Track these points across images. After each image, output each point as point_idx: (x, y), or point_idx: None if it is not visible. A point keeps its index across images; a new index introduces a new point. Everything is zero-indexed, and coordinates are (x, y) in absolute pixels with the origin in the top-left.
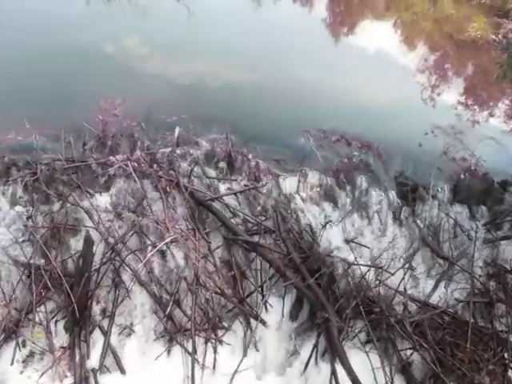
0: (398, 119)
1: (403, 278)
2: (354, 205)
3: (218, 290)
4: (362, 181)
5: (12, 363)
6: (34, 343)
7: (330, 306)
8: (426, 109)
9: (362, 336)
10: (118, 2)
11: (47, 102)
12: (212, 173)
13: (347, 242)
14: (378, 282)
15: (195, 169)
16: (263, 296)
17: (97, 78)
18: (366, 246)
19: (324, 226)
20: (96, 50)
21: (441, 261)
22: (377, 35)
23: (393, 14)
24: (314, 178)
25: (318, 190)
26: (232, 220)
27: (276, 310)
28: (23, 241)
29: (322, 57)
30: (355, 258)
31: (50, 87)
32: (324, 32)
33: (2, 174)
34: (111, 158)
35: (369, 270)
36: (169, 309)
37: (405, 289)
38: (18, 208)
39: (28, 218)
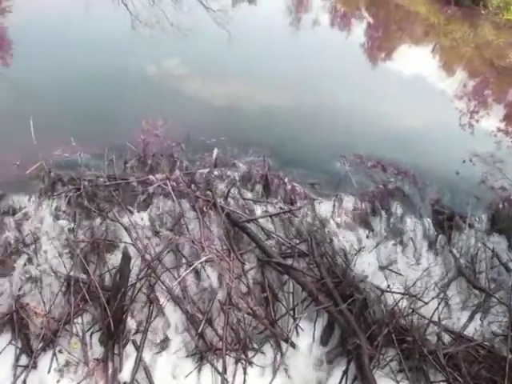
0: (435, 145)
1: (437, 308)
2: (388, 231)
3: (250, 311)
4: (397, 207)
5: (49, 371)
6: (70, 353)
7: (362, 332)
8: (464, 135)
9: (394, 365)
10: (161, 27)
11: (93, 120)
12: (248, 194)
13: (381, 268)
14: (411, 310)
15: (232, 190)
16: (294, 319)
17: (140, 99)
18: (399, 274)
19: (358, 252)
20: (139, 71)
21: (477, 292)
22: (415, 60)
23: (432, 39)
24: (349, 203)
25: (353, 215)
26: (266, 242)
27: (307, 334)
28: (64, 253)
29: (360, 81)
30: (388, 285)
31: (96, 107)
32: (361, 57)
33: (48, 189)
34: (151, 176)
35: (402, 298)
36: (201, 327)
37: (439, 319)
38: (61, 222)
39: (70, 232)
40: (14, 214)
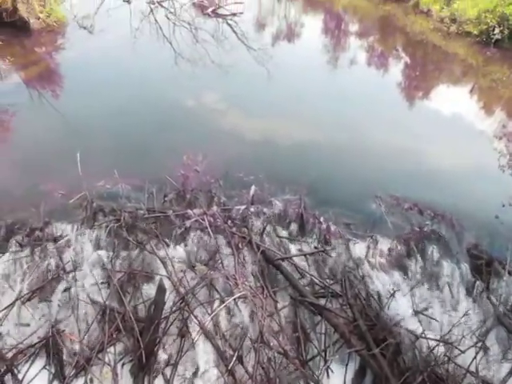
0: (473, 188)
1: (475, 358)
2: (424, 275)
3: (281, 350)
4: (433, 251)
5: None
6: (101, 383)
7: (395, 378)
8: (503, 178)
9: None
10: (203, 64)
11: (135, 154)
12: (283, 232)
13: (416, 313)
14: (447, 358)
15: (267, 227)
16: (326, 361)
17: (181, 134)
18: (435, 319)
19: (392, 295)
20: (181, 107)
21: None
22: (453, 100)
23: (470, 79)
24: (384, 244)
25: (388, 257)
26: (300, 281)
27: (338, 376)
28: (102, 282)
29: (397, 121)
30: (423, 330)
31: (139, 141)
32: (398, 96)
33: (90, 218)
34: (189, 211)
35: (438, 345)
36: (231, 364)
37: (477, 369)
38: (101, 251)
39: (108, 262)
40: (56, 241)
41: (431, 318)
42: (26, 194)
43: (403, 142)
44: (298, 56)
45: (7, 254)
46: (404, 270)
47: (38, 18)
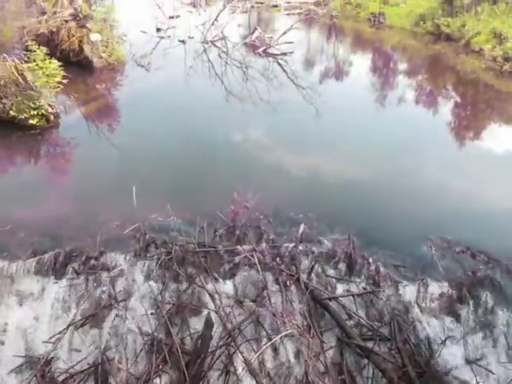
0: None
1: None
2: (477, 322)
3: None
4: (487, 297)
5: None
6: None
7: None
8: None
9: None
10: (252, 101)
11: (187, 188)
12: (331, 272)
13: (468, 362)
14: None
15: (316, 266)
16: None
17: (232, 169)
18: (490, 371)
19: (443, 342)
20: (232, 143)
21: None
22: (506, 140)
23: None
24: (434, 288)
25: (439, 301)
26: (347, 322)
27: None
28: (151, 313)
29: (447, 160)
30: (477, 382)
31: (191, 175)
32: (448, 135)
33: (142, 250)
34: (238, 247)
35: None
36: None
37: None
38: (151, 283)
39: (158, 293)
40: (110, 270)
41: (486, 369)
42: (84, 223)
43: (454, 181)
44: (347, 94)
45: (63, 280)
46: (456, 316)
47: (101, 58)
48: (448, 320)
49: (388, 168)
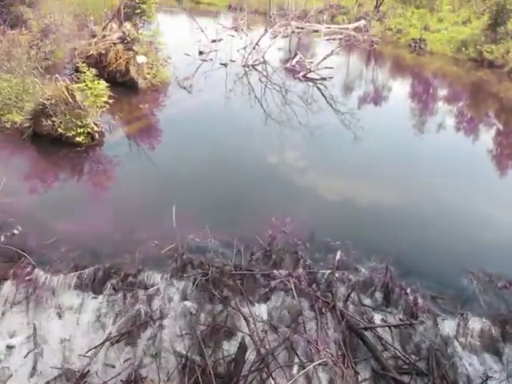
0: None
1: None
2: None
3: None
4: None
5: None
6: None
7: None
8: None
9: None
10: (290, 124)
11: (226, 211)
12: (368, 301)
13: None
14: None
15: (352, 294)
16: None
17: (270, 191)
18: None
19: (484, 381)
20: (271, 166)
21: None
22: None
23: None
24: (475, 324)
25: (480, 338)
26: (383, 353)
27: None
28: (185, 334)
29: (490, 190)
30: None
31: (230, 198)
32: (490, 163)
33: (179, 270)
34: (275, 271)
35: None
36: None
37: None
38: (187, 303)
39: (193, 314)
40: (147, 288)
41: None
42: (123, 240)
43: (496, 212)
44: (386, 120)
45: (102, 296)
46: (498, 354)
47: (145, 79)
48: (489, 358)
49: (427, 196)
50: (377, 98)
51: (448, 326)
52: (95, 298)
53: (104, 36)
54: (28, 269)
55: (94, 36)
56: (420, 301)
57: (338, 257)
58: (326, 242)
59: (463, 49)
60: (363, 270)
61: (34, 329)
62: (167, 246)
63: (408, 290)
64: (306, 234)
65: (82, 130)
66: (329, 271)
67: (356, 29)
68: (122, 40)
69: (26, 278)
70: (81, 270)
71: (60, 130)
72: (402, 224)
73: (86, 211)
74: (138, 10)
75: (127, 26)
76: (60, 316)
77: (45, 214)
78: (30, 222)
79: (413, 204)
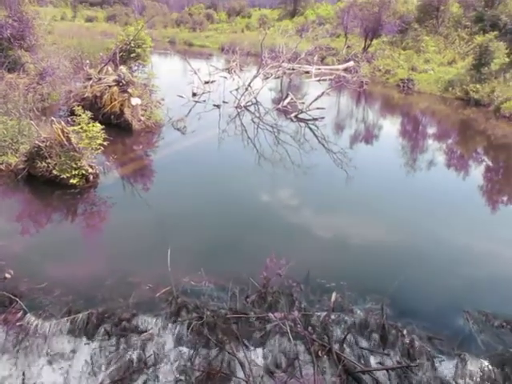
0: None
1: None
2: None
3: None
4: None
5: None
6: None
7: None
8: None
9: None
10: (283, 164)
11: (221, 253)
12: (364, 343)
13: None
14: None
15: (348, 337)
16: None
17: (264, 233)
18: None
19: None
20: (264, 207)
21: None
22: None
23: None
24: (474, 365)
25: (480, 379)
26: None
27: None
28: (180, 380)
29: (483, 226)
30: None
31: (224, 240)
32: (481, 199)
33: (174, 314)
34: (270, 314)
35: None
36: None
37: None
38: (182, 348)
39: (188, 359)
40: (140, 333)
41: None
42: (117, 283)
43: (490, 249)
44: (377, 158)
45: (95, 342)
46: None
47: (140, 120)
48: None
49: (421, 234)
50: (368, 136)
51: (446, 368)
52: (88, 343)
53: (99, 79)
54: (19, 314)
55: (89, 79)
56: (417, 342)
57: (333, 298)
58: (320, 284)
59: (450, 88)
60: (359, 311)
61: (24, 377)
62: (162, 289)
63: (404, 332)
64: (301, 275)
65: (76, 172)
66: (324, 313)
67: (346, 70)
68: (117, 83)
69: (17, 323)
70: (74, 315)
71: (55, 172)
72: (396, 262)
73: (79, 254)
74: (133, 54)
75: (122, 69)
76: (51, 363)
77: (38, 257)
78: (23, 265)
79: (406, 242)
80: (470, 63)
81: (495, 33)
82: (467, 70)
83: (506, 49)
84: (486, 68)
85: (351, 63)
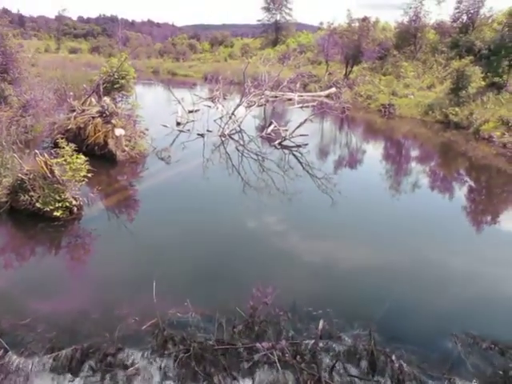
0: None
1: None
2: None
3: None
4: None
5: None
6: None
7: None
8: None
9: None
10: (268, 191)
11: (206, 283)
12: (353, 370)
13: None
14: None
15: (337, 364)
16: None
17: (250, 261)
18: None
19: None
20: (248, 233)
21: None
22: None
23: None
24: None
25: None
26: None
27: None
28: None
29: (468, 247)
30: None
31: (210, 270)
32: (465, 220)
33: (160, 346)
34: (257, 344)
35: None
36: None
37: None
38: (168, 382)
39: None
40: (126, 368)
41: None
42: (102, 317)
43: (477, 269)
44: (361, 182)
45: (79, 379)
46: None
47: (124, 151)
48: None
49: (407, 256)
50: (352, 161)
51: None
52: (72, 381)
53: (83, 110)
54: (0, 352)
55: (73, 110)
56: (406, 367)
57: (320, 326)
58: (307, 311)
59: (430, 112)
60: (347, 338)
61: None
62: (147, 321)
63: (393, 357)
64: (288, 303)
65: (60, 205)
66: (312, 341)
67: (328, 96)
68: (101, 114)
69: None
70: (57, 352)
71: (38, 205)
72: (383, 287)
73: (64, 288)
74: (117, 85)
75: (106, 100)
76: None
77: (21, 292)
78: (5, 300)
79: (392, 264)
80: (448, 87)
81: (470, 57)
82: (446, 94)
83: (482, 73)
84: (464, 91)
85: (333, 89)
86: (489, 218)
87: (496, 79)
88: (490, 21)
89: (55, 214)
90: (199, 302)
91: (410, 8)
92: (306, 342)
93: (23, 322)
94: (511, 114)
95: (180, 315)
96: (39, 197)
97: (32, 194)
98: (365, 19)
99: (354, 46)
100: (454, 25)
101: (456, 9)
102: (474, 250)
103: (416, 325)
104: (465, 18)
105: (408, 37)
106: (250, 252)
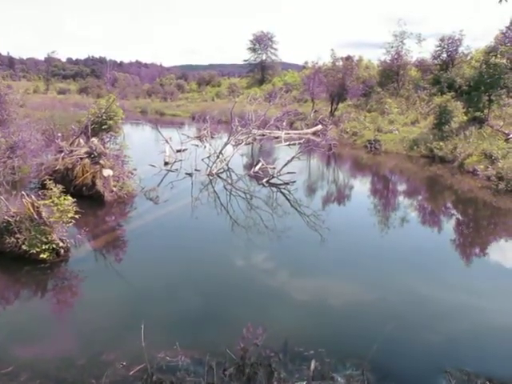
0: None
1: None
2: None
3: None
4: None
5: None
6: None
7: None
8: None
9: None
10: (256, 229)
11: (195, 325)
12: None
13: None
14: None
15: None
16: None
17: (240, 302)
18: None
19: None
20: (237, 272)
21: None
22: None
23: None
24: None
25: None
26: None
27: None
28: None
29: (459, 281)
30: None
31: (198, 309)
32: (455, 253)
33: None
34: None
35: None
36: None
37: None
38: None
39: None
40: None
41: None
42: (88, 363)
43: (468, 303)
44: (349, 218)
45: None
46: None
47: (112, 191)
48: None
49: (397, 292)
50: (340, 197)
51: None
52: None
53: (71, 151)
54: None
55: (61, 151)
56: None
57: (312, 366)
58: (299, 352)
59: (415, 147)
60: (339, 378)
61: None
62: (136, 366)
63: None
64: (279, 343)
65: (46, 247)
66: (304, 382)
67: (314, 133)
68: (89, 154)
69: None
70: None
71: (24, 247)
72: (375, 324)
73: (48, 333)
74: (105, 126)
75: (94, 141)
76: None
77: (4, 338)
78: None
79: (382, 301)
80: (432, 122)
81: (452, 93)
82: (430, 129)
83: (463, 108)
84: (447, 126)
85: (319, 127)
86: (477, 251)
87: (477, 114)
88: (468, 58)
89: (42, 256)
90: (188, 345)
91: (392, 47)
92: (298, 383)
93: (6, 370)
94: (493, 148)
95: (169, 359)
96: (25, 239)
97: (18, 236)
98: (348, 58)
99: (339, 84)
100: (435, 62)
101: (437, 47)
102: (464, 284)
103: (409, 362)
104: (445, 55)
105: (391, 74)
106: (240, 291)
